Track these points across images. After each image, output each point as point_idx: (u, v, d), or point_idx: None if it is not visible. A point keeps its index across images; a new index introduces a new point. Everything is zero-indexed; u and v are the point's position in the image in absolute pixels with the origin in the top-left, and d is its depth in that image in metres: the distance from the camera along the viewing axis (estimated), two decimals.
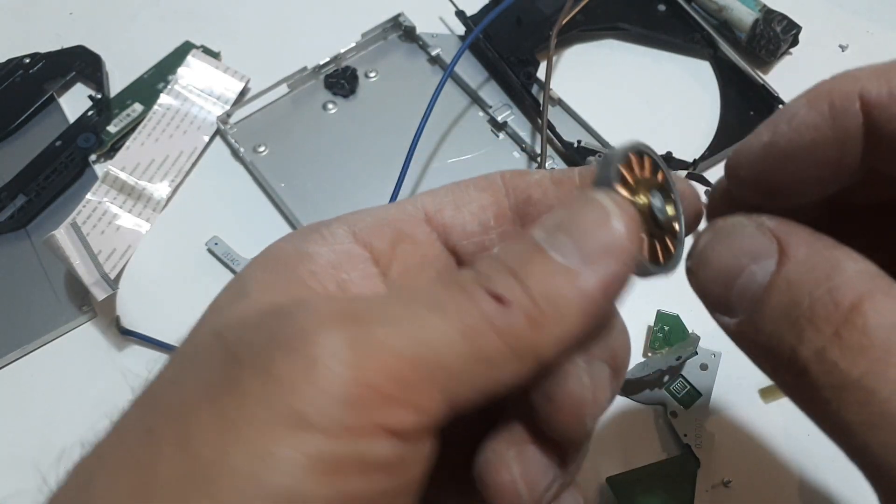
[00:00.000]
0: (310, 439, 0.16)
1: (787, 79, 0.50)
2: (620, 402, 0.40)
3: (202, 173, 0.49)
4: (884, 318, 0.16)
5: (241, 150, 0.48)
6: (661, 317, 0.41)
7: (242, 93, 0.51)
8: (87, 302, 0.43)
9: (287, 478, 0.15)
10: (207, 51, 0.52)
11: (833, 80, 0.19)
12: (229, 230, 0.46)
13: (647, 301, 0.41)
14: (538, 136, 0.48)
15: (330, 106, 0.50)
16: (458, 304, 0.17)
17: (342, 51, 0.51)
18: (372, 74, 0.51)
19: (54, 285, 0.44)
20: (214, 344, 0.18)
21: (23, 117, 0.50)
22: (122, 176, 0.47)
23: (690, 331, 0.41)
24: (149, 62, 0.52)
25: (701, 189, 0.46)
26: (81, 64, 0.52)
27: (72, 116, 0.50)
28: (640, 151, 0.21)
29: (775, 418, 0.39)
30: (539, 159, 0.46)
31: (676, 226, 0.22)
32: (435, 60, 0.52)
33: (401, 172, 0.43)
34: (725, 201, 0.22)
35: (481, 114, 0.49)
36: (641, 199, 0.21)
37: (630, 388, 0.40)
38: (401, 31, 0.52)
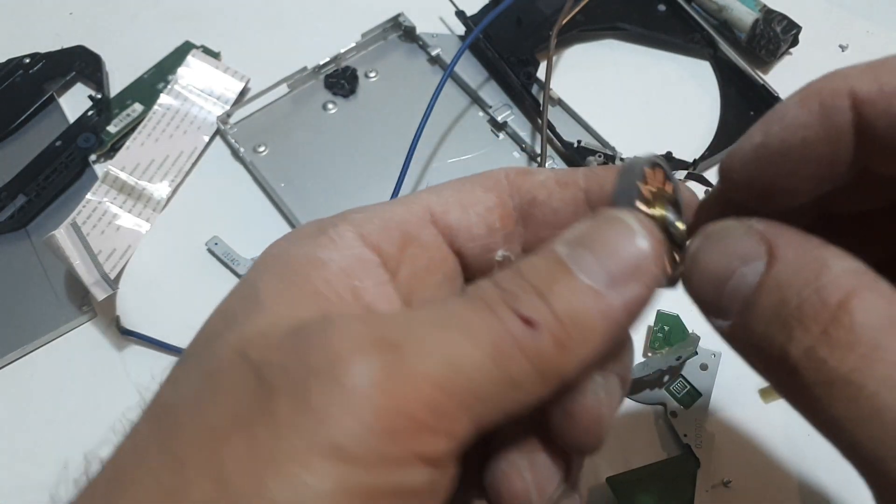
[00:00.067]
0: (346, 470, 0.16)
1: (787, 79, 0.50)
2: None
3: (202, 173, 0.49)
4: (870, 315, 0.16)
5: (241, 150, 0.48)
6: (661, 317, 0.41)
7: (242, 93, 0.51)
8: (87, 302, 0.43)
9: None
10: (207, 51, 0.52)
11: (823, 78, 0.19)
12: (229, 230, 0.46)
13: None
14: (538, 136, 0.48)
15: (330, 106, 0.50)
16: (487, 325, 0.18)
17: (342, 51, 0.51)
18: (372, 74, 0.51)
19: (54, 285, 0.44)
20: (242, 366, 0.17)
21: (23, 117, 0.50)
22: (122, 176, 0.47)
23: (690, 331, 0.41)
24: (149, 62, 0.52)
25: (701, 190, 0.46)
26: (81, 64, 0.52)
27: (72, 116, 0.50)
28: (654, 164, 0.21)
29: (775, 418, 0.39)
30: (539, 159, 0.46)
31: (686, 240, 0.22)
32: (435, 60, 0.52)
33: (401, 172, 0.43)
34: (718, 206, 0.22)
35: (481, 114, 0.49)
36: (658, 212, 0.21)
37: (630, 388, 0.40)
38: (401, 31, 0.52)
